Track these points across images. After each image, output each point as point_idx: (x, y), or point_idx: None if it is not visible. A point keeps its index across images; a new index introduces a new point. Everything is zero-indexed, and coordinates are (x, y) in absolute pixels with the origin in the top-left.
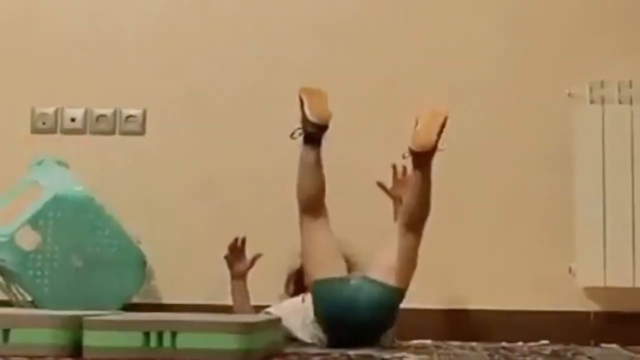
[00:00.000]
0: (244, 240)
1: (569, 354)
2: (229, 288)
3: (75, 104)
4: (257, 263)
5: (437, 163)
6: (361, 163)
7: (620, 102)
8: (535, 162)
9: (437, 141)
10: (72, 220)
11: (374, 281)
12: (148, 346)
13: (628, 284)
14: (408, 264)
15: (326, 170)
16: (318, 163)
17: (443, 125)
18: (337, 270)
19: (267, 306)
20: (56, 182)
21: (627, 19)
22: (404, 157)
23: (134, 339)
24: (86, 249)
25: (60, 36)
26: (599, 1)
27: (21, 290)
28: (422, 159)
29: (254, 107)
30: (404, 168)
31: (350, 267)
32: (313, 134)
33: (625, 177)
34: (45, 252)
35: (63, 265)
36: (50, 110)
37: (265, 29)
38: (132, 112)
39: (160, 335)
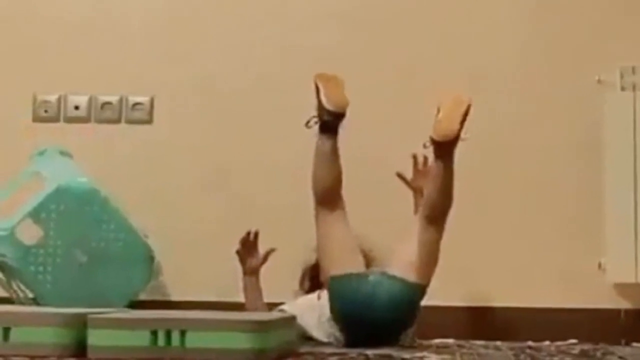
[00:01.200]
0: (256, 234)
1: (598, 354)
2: (240, 284)
3: (79, 91)
4: (271, 258)
5: (459, 153)
6: (380, 153)
7: None
8: (563, 152)
9: (459, 130)
10: (76, 213)
11: (393, 277)
12: (156, 345)
13: None
14: (429, 258)
15: (343, 161)
16: (334, 153)
17: (466, 114)
18: (355, 265)
19: (281, 303)
20: (59, 173)
21: None
22: (425, 146)
23: (141, 338)
24: (91, 243)
25: (64, 19)
26: None
27: (22, 287)
28: (444, 148)
29: (267, 94)
30: (425, 158)
31: (369, 262)
32: (329, 123)
33: None
34: (48, 247)
35: (66, 261)
36: (52, 97)
37: (279, 12)
38: (139, 99)
39: (168, 334)
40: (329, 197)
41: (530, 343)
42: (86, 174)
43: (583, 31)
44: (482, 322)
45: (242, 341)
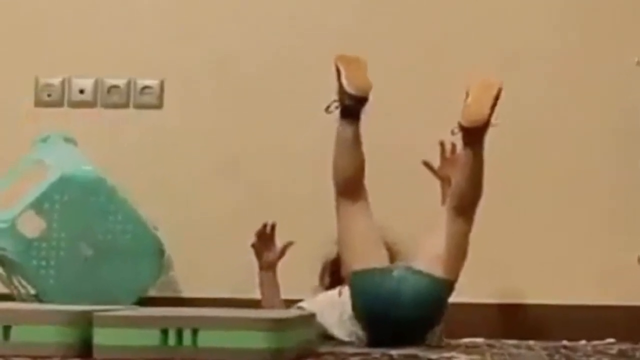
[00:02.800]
0: (273, 227)
1: (637, 354)
2: (256, 280)
3: (84, 74)
4: (289, 252)
5: (489, 140)
6: (405, 140)
7: None
8: (600, 139)
9: (490, 115)
10: (81, 204)
11: (419, 272)
12: (166, 345)
13: None
14: (457, 252)
15: (366, 148)
16: (357, 140)
17: (497, 98)
18: (378, 259)
19: (300, 300)
20: (63, 161)
21: None
22: (453, 133)
23: (150, 337)
24: (96, 236)
25: None
26: None
27: (23, 283)
28: (474, 135)
29: (285, 76)
30: (453, 145)
31: (393, 256)
32: (351, 107)
33: None
34: (51, 240)
35: (70, 255)
36: (56, 80)
37: None
38: (149, 82)
39: (179, 333)
40: (350, 187)
41: (565, 342)
42: (92, 162)
43: (621, 9)
44: (513, 320)
45: (258, 341)
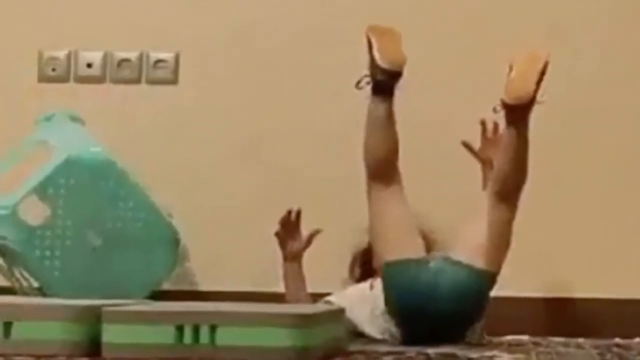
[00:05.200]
0: (299, 213)
1: None
2: (280, 272)
3: (92, 46)
4: (315, 241)
5: (535, 118)
6: (443, 118)
7: None
8: None
9: (535, 91)
10: (89, 189)
11: (458, 263)
12: (181, 343)
13: None
14: (500, 242)
15: (400, 127)
16: (390, 118)
17: (543, 72)
18: (414, 249)
19: (328, 294)
20: (69, 142)
21: None
22: (495, 111)
23: (164, 335)
24: (106, 224)
25: None
26: None
27: (26, 275)
28: (518, 113)
29: (311, 49)
30: (496, 124)
31: (429, 245)
32: (384, 83)
33: None
34: (56, 228)
35: (77, 244)
36: (61, 53)
37: None
38: (162, 56)
39: (196, 330)
40: (383, 169)
41: (617, 340)
42: (100, 143)
43: None
44: (561, 315)
45: (282, 338)
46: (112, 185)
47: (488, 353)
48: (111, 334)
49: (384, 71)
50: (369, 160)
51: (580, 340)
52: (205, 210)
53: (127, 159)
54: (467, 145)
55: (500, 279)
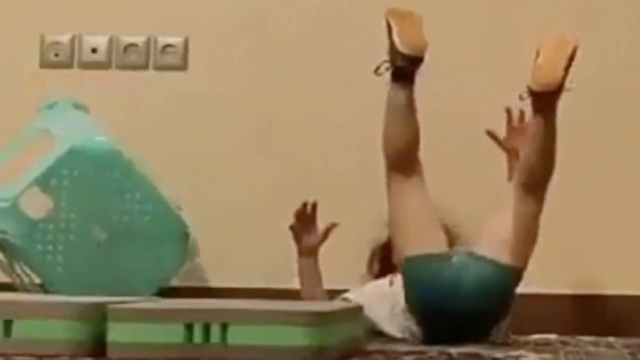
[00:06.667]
0: (314, 206)
1: None
2: (295, 267)
3: (97, 30)
4: (332, 235)
5: (563, 106)
6: (465, 106)
7: None
8: None
9: (563, 78)
10: (93, 180)
11: (482, 258)
12: (191, 342)
13: None
14: (526, 236)
15: (421, 116)
16: (410, 106)
17: (572, 58)
18: (435, 244)
19: (345, 290)
20: (72, 131)
21: None
22: (521, 98)
23: (173, 334)
24: (111, 217)
25: None
26: None
27: (27, 271)
28: (545, 100)
29: (327, 33)
30: (522, 112)
31: (452, 240)
32: (404, 69)
33: None
34: (59, 222)
35: (81, 239)
36: (64, 37)
37: None
38: (171, 40)
39: (206, 329)
40: (403, 160)
41: None
42: (106, 132)
43: None
44: (591, 313)
45: (297, 337)
46: (118, 177)
47: (514, 353)
48: (117, 333)
49: (404, 56)
50: (388, 150)
51: (611, 339)
52: (216, 202)
53: (133, 149)
54: (491, 135)
55: (526, 274)
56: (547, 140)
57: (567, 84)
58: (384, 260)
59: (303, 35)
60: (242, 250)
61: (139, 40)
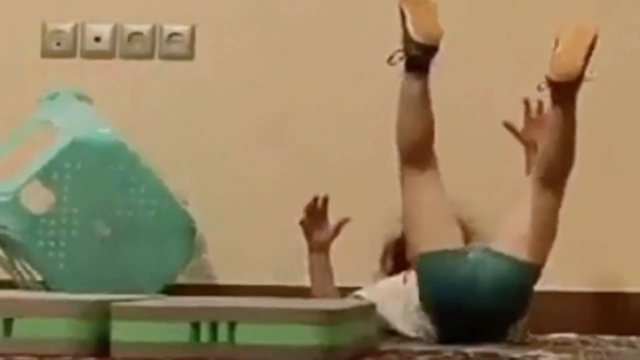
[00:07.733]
0: (325, 200)
1: None
2: (305, 264)
3: (100, 18)
4: (344, 231)
5: (583, 97)
6: (482, 97)
7: None
8: None
9: (583, 68)
10: (97, 174)
11: (499, 254)
12: (197, 342)
13: None
14: (545, 231)
15: (435, 107)
16: (425, 97)
17: (592, 47)
18: (451, 240)
19: (358, 288)
20: (75, 123)
21: None
22: (539, 89)
23: (179, 333)
24: (115, 212)
25: None
26: None
27: (28, 267)
28: (564, 91)
29: (338, 21)
30: (540, 103)
31: (468, 235)
32: (418, 58)
33: None
34: (61, 217)
35: (84, 234)
36: (67, 26)
37: None
38: (177, 28)
39: (213, 328)
40: (417, 153)
41: None
42: (109, 124)
43: None
44: (612, 311)
45: (308, 336)
46: (122, 170)
47: (532, 352)
48: (121, 332)
49: (418, 45)
50: (402, 142)
51: (633, 338)
52: (223, 196)
53: (138, 142)
54: (509, 126)
55: (545, 271)
56: (566, 132)
57: (587, 74)
58: (397, 257)
59: (314, 23)
60: (250, 246)
61: (144, 28)
